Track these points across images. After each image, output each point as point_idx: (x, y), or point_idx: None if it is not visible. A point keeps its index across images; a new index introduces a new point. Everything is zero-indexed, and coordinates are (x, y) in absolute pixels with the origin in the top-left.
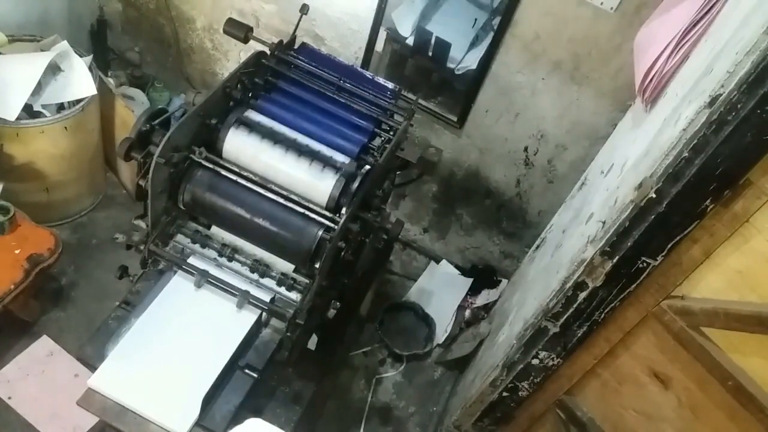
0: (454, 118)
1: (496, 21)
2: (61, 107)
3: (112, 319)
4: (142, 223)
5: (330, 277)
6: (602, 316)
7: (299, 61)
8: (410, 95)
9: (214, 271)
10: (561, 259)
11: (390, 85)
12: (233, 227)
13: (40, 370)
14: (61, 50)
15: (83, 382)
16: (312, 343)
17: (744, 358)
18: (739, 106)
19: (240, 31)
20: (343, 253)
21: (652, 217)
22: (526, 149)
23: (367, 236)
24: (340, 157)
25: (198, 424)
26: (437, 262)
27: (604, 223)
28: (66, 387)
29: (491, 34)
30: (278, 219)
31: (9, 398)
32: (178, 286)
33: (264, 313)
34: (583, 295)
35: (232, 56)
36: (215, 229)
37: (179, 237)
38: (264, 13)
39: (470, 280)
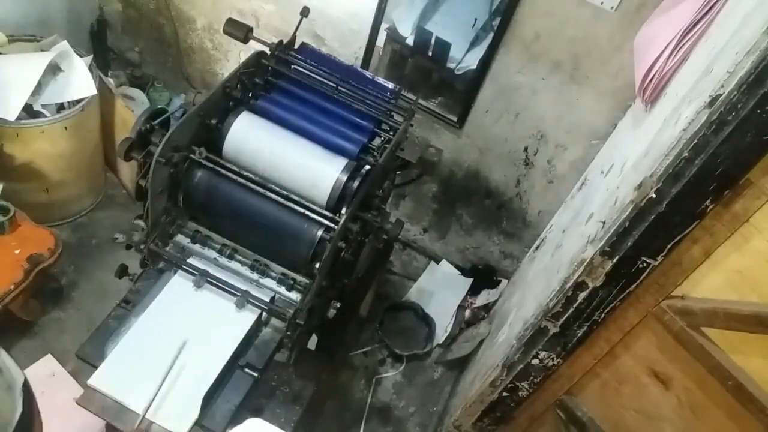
0: (454, 118)
1: (496, 21)
2: (61, 107)
3: (112, 318)
4: (142, 223)
5: (330, 277)
6: (602, 316)
7: (299, 61)
8: (410, 95)
9: (214, 270)
10: (561, 259)
11: (390, 85)
12: (233, 227)
13: (40, 390)
14: (61, 50)
15: (80, 410)
16: (312, 343)
17: (744, 358)
18: (739, 106)
19: (240, 31)
20: (343, 253)
21: (652, 217)
22: (526, 149)
23: (367, 236)
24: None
25: (198, 423)
26: (437, 262)
27: (604, 223)
28: (63, 411)
29: (491, 34)
30: (278, 219)
31: None
32: (178, 286)
33: (264, 313)
34: (583, 295)
35: (232, 56)
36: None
37: (179, 237)
38: (264, 13)
39: (470, 280)
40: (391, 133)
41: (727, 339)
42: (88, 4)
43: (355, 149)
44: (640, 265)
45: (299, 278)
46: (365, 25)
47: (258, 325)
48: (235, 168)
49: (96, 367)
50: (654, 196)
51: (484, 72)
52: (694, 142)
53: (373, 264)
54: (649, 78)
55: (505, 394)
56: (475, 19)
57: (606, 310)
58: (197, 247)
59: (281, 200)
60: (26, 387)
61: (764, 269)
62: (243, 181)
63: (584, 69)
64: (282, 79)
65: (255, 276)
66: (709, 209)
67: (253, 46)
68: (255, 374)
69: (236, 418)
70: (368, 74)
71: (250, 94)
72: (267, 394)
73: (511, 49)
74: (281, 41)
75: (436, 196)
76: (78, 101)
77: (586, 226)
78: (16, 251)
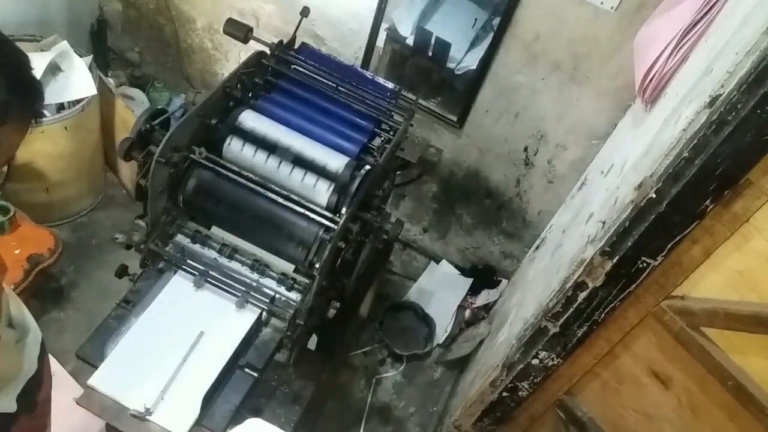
0: (454, 118)
1: (496, 21)
2: (61, 107)
3: (112, 318)
4: (142, 223)
5: (330, 277)
6: (602, 316)
7: (299, 61)
8: (410, 95)
9: (214, 270)
10: (561, 259)
11: (390, 85)
12: (233, 227)
13: None
14: (61, 50)
15: (80, 410)
16: (312, 343)
17: (744, 358)
18: (739, 106)
19: (240, 31)
20: (343, 253)
21: (652, 217)
22: (526, 149)
23: (367, 236)
24: (337, 162)
25: (198, 423)
26: (437, 262)
27: (604, 223)
28: (63, 411)
29: (491, 34)
30: (278, 219)
31: None
32: (177, 286)
33: (264, 313)
34: (583, 295)
35: (232, 56)
36: (215, 229)
37: (179, 237)
38: (264, 13)
39: (470, 280)
40: (391, 133)
41: (727, 339)
42: (88, 4)
43: (355, 149)
44: (640, 265)
45: (299, 278)
46: (365, 25)
47: (258, 325)
48: (235, 168)
49: (96, 367)
50: (654, 196)
51: (484, 72)
52: (694, 142)
53: (373, 264)
54: (649, 78)
55: (505, 394)
56: (475, 19)
57: (606, 310)
58: (197, 247)
59: (281, 200)
60: (42, 345)
61: (764, 269)
62: (243, 182)
63: (584, 69)
64: (282, 79)
65: (255, 276)
66: (709, 209)
67: (253, 46)
68: (255, 374)
69: (236, 418)
70: (368, 74)
71: (250, 94)
72: (267, 394)
73: (511, 49)
74: (281, 41)
75: (436, 196)
76: (78, 101)
77: (586, 226)
78: (16, 251)
